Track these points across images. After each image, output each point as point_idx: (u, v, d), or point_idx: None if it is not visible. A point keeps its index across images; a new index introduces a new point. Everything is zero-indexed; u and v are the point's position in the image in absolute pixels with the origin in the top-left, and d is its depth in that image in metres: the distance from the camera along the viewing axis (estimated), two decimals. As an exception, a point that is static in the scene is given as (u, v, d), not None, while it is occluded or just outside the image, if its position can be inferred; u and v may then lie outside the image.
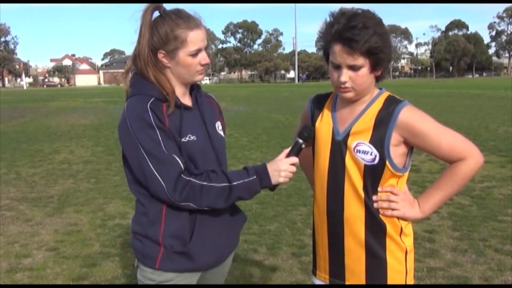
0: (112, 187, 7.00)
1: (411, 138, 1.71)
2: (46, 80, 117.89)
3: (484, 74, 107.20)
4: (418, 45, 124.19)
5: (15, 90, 78.86)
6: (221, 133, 1.97)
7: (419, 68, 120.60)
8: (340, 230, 1.80)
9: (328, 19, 1.71)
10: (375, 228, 1.75)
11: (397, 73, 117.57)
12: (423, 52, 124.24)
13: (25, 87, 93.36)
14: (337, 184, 1.78)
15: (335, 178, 1.78)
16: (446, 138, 1.72)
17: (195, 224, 1.79)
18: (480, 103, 21.47)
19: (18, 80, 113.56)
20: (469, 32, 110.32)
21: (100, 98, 35.99)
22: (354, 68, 1.66)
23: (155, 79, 1.78)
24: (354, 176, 1.74)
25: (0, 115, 20.64)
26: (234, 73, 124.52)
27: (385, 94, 1.79)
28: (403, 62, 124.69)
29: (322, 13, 1.73)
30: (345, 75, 1.67)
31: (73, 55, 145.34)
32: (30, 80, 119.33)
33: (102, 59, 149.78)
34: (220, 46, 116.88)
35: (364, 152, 1.71)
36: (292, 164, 1.79)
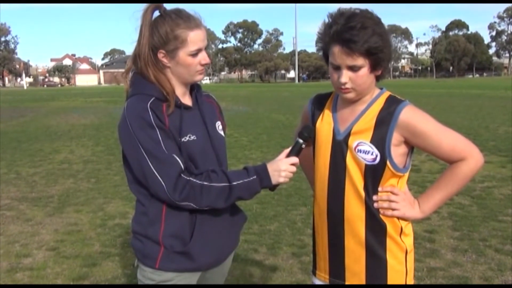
0: (112, 186, 7.00)
1: (411, 138, 1.71)
2: (46, 79, 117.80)
3: (485, 74, 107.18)
4: (418, 45, 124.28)
5: (15, 89, 78.84)
6: (221, 133, 1.97)
7: (420, 68, 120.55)
8: (341, 230, 1.80)
9: (326, 20, 1.70)
10: (376, 228, 1.75)
11: (397, 73, 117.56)
12: (424, 52, 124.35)
13: (25, 87, 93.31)
14: (337, 184, 1.78)
15: (336, 178, 1.78)
16: (446, 138, 1.72)
17: (195, 224, 1.79)
18: (480, 103, 21.47)
19: (18, 79, 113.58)
20: (469, 32, 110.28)
21: (100, 98, 35.99)
22: (353, 68, 1.65)
23: (155, 78, 1.78)
24: (355, 176, 1.74)
25: (0, 114, 20.65)
26: (234, 73, 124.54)
27: (386, 94, 1.79)
28: (403, 62, 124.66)
29: (322, 13, 1.73)
30: (345, 76, 1.67)
31: (73, 55, 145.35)
32: (30, 79, 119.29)
33: (102, 59, 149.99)
34: (220, 46, 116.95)
35: (365, 152, 1.71)
36: (292, 164, 1.79)
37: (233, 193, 1.74)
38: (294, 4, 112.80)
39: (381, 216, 1.75)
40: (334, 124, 1.81)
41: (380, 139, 1.70)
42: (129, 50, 1.92)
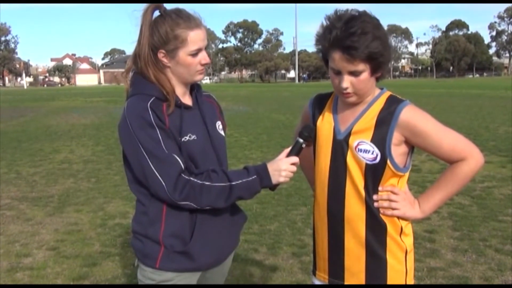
0: (113, 186, 7.00)
1: (412, 138, 1.71)
2: (47, 79, 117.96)
3: (485, 74, 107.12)
4: (418, 45, 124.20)
5: (16, 89, 78.89)
6: (222, 132, 1.97)
7: (420, 68, 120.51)
8: (341, 229, 1.80)
9: (324, 23, 1.69)
10: (376, 227, 1.75)
11: (397, 73, 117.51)
12: (424, 52, 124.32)
13: (25, 87, 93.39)
14: (338, 183, 1.78)
15: (336, 177, 1.78)
16: (447, 138, 1.72)
17: (196, 224, 1.79)
18: (480, 103, 21.47)
19: (19, 79, 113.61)
20: (469, 32, 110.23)
21: (100, 98, 35.99)
22: (355, 73, 1.65)
23: (155, 78, 1.78)
24: (355, 175, 1.74)
25: (1, 114, 20.65)
26: (234, 72, 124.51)
27: (386, 93, 1.79)
28: (403, 62, 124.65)
29: (323, 13, 1.71)
30: (347, 81, 1.67)
31: (74, 55, 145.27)
32: (31, 79, 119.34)
33: (103, 59, 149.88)
34: (220, 45, 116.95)
35: (366, 151, 1.71)
36: (293, 164, 1.79)
37: (233, 192, 1.74)
38: (294, 4, 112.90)
39: (381, 215, 1.75)
40: (335, 124, 1.81)
41: (380, 138, 1.70)
42: (129, 50, 1.92)
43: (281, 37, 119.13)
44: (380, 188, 1.75)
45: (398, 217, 1.77)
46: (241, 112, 19.93)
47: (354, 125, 1.76)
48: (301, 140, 1.81)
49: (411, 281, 1.82)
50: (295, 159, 1.80)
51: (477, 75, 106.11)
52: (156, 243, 1.78)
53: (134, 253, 1.89)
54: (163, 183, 1.68)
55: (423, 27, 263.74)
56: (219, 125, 1.96)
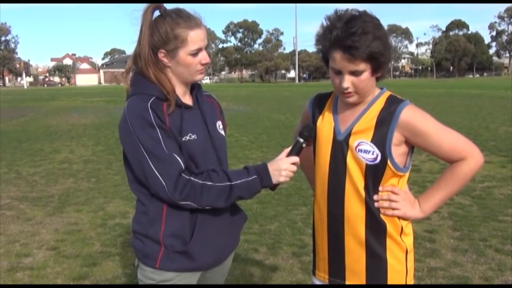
0: (113, 186, 7.00)
1: (412, 138, 1.71)
2: (47, 79, 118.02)
3: (485, 74, 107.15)
4: (418, 45, 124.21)
5: (16, 89, 78.89)
6: (222, 132, 1.97)
7: (420, 68, 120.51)
8: (341, 229, 1.80)
9: (324, 23, 1.69)
10: (376, 227, 1.75)
11: (397, 73, 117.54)
12: (424, 52, 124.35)
13: (25, 86, 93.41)
14: (338, 184, 1.78)
15: (336, 177, 1.78)
16: (447, 137, 1.72)
17: (196, 224, 1.79)
18: (480, 103, 21.46)
19: (19, 79, 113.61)
20: (469, 32, 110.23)
21: (100, 98, 35.99)
22: (355, 73, 1.65)
23: (156, 78, 1.78)
24: (355, 176, 1.74)
25: (1, 114, 20.65)
26: (234, 72, 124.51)
27: (387, 93, 1.79)
28: (403, 62, 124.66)
29: (323, 13, 1.71)
30: (347, 81, 1.67)
31: (74, 55, 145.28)
32: (31, 79, 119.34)
33: (103, 59, 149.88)
34: (220, 45, 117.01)
35: (366, 152, 1.71)
36: (293, 164, 1.79)
37: (234, 192, 1.74)
38: (294, 4, 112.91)
39: (381, 216, 1.75)
40: (335, 124, 1.81)
41: (380, 138, 1.70)
42: (130, 50, 1.92)
43: (281, 37, 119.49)
44: (380, 188, 1.75)
45: (399, 217, 1.77)
46: (241, 112, 19.93)
47: (354, 125, 1.76)
48: (301, 140, 1.81)
49: (411, 281, 1.82)
50: (295, 158, 1.80)
51: (477, 75, 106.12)
52: (156, 243, 1.78)
53: (134, 253, 1.89)
54: (164, 183, 1.68)
55: (423, 27, 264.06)
56: (219, 125, 1.96)
